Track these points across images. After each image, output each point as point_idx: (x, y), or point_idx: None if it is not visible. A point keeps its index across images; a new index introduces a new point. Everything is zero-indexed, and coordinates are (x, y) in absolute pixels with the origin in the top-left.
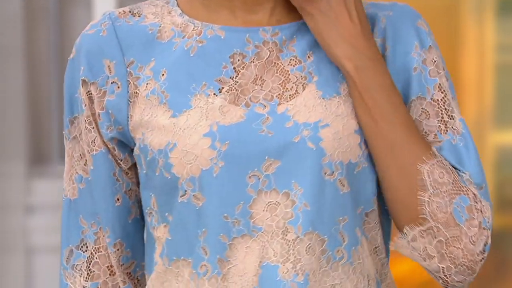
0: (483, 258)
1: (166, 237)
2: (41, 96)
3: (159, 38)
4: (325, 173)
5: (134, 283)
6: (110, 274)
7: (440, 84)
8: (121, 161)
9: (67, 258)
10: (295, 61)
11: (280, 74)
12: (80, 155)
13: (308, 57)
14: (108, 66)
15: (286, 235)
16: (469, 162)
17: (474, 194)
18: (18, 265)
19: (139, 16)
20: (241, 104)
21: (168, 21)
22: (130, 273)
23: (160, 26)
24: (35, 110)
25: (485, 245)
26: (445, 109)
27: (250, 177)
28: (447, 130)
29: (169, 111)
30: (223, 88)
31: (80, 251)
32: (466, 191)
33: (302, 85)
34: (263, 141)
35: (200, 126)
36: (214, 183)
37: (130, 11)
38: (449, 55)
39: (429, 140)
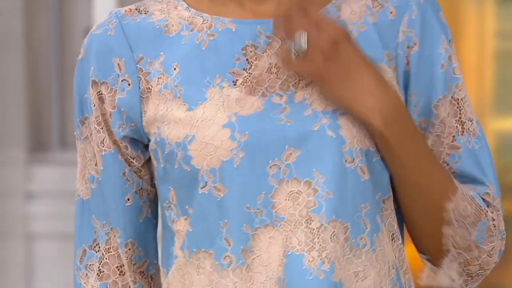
0: (496, 262)
1: (187, 229)
2: (41, 83)
3: (167, 32)
4: (346, 161)
5: (148, 281)
6: (120, 274)
7: (462, 82)
8: (133, 159)
9: (81, 258)
10: None
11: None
12: (92, 155)
13: None
14: (118, 64)
15: (310, 224)
16: (488, 169)
17: (492, 212)
18: (18, 251)
19: (145, 13)
20: (257, 95)
21: (175, 15)
22: (143, 272)
23: (167, 21)
24: (35, 98)
25: (499, 251)
26: (464, 109)
27: (270, 167)
28: (463, 132)
29: (184, 105)
30: (237, 80)
31: (93, 251)
32: (485, 214)
33: None
34: (283, 130)
35: (218, 118)
36: (235, 174)
37: (136, 9)
38: None
39: (447, 144)
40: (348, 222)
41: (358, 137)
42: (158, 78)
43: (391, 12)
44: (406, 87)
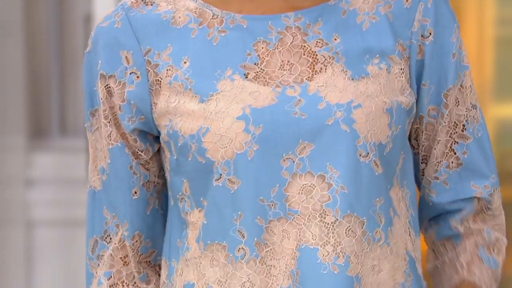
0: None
1: (202, 221)
2: (41, 70)
3: (174, 24)
4: (360, 155)
5: (156, 270)
6: (124, 264)
7: (470, 71)
8: (142, 152)
9: (92, 249)
10: (322, 43)
11: (308, 56)
12: (102, 147)
13: (335, 39)
14: (126, 57)
15: (325, 218)
16: (492, 158)
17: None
18: (18, 238)
19: (152, 5)
20: (271, 87)
21: (181, 6)
22: (149, 262)
23: (174, 13)
24: (35, 84)
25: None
26: (471, 97)
27: (284, 160)
28: (469, 119)
29: (195, 96)
30: (248, 73)
31: (104, 242)
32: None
33: (331, 65)
34: (297, 124)
35: (232, 110)
36: (249, 166)
37: (142, 0)
38: None
39: (457, 133)
40: (364, 216)
41: (372, 131)
42: (167, 70)
43: (407, 1)
44: (419, 76)
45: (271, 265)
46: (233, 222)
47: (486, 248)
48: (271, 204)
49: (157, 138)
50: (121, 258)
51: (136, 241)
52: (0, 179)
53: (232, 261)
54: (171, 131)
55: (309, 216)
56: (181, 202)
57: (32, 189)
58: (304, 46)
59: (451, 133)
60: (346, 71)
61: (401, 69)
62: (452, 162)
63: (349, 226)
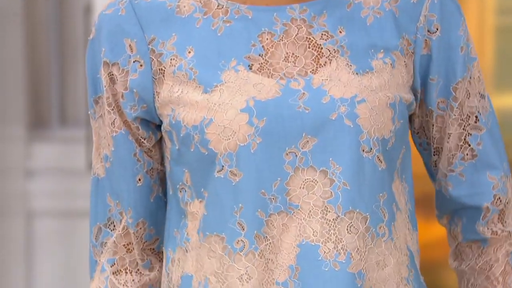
0: None
1: (203, 212)
2: (41, 60)
3: (179, 13)
4: (363, 150)
5: (160, 257)
6: (127, 251)
7: (477, 61)
8: (144, 140)
9: (96, 236)
10: (327, 36)
11: (312, 49)
12: (106, 134)
13: (340, 31)
14: (130, 45)
15: (326, 215)
16: (502, 148)
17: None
18: (18, 229)
19: None
20: (275, 79)
21: None
22: (153, 249)
23: (178, 2)
24: (35, 74)
25: None
26: (479, 86)
27: (287, 154)
28: (480, 109)
29: (199, 87)
30: (253, 65)
31: (107, 229)
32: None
33: (336, 59)
34: (300, 118)
35: (236, 101)
36: (251, 159)
37: None
38: None
39: (470, 124)
40: (367, 212)
41: (376, 126)
42: (171, 59)
43: None
44: (425, 71)
45: (269, 259)
46: (234, 214)
47: None
48: (272, 197)
49: (159, 127)
50: (124, 245)
51: (140, 228)
52: (0, 169)
53: (230, 253)
54: (173, 121)
55: (310, 211)
56: (180, 192)
57: (32, 180)
58: (309, 39)
59: (464, 126)
60: (351, 65)
61: (404, 64)
62: (467, 154)
63: (351, 222)
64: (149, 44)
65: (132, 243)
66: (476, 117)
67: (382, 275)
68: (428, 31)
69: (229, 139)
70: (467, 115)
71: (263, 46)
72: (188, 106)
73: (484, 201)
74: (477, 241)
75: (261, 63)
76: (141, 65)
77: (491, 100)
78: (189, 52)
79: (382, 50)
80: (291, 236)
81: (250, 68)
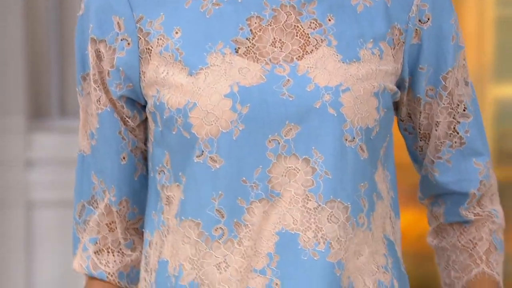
0: None
1: (180, 197)
2: (41, 50)
3: None
4: (346, 140)
5: (142, 237)
6: (109, 231)
7: (464, 49)
8: (129, 118)
9: (80, 213)
10: (315, 24)
11: (299, 37)
12: (92, 111)
13: (329, 19)
14: (118, 22)
15: (307, 203)
16: (485, 134)
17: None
18: (18, 219)
19: None
20: (260, 64)
21: None
22: (137, 229)
23: None
24: (34, 64)
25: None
26: (465, 74)
27: (270, 141)
28: (466, 96)
29: (184, 68)
30: (239, 48)
31: (91, 207)
32: (496, 228)
33: (322, 48)
34: (284, 105)
35: (220, 86)
36: (233, 146)
37: None
38: None
39: (459, 112)
40: (348, 201)
41: (360, 115)
42: (158, 39)
43: None
44: (415, 60)
45: (248, 246)
46: (211, 200)
47: (497, 232)
48: (254, 185)
49: (144, 107)
50: (107, 224)
51: (123, 206)
52: (0, 160)
53: (207, 240)
54: (157, 103)
55: (291, 200)
56: (159, 174)
57: (32, 170)
58: (297, 27)
59: (454, 115)
60: (337, 54)
61: (392, 55)
62: (455, 142)
63: (332, 212)
64: (137, 23)
65: (115, 222)
66: (464, 105)
67: (357, 264)
68: (419, 20)
69: (212, 124)
70: (457, 103)
71: (251, 30)
72: (173, 88)
73: (471, 188)
74: (460, 222)
75: (248, 47)
76: (128, 44)
77: (491, 89)
78: (176, 33)
79: (371, 40)
80: (271, 224)
81: (236, 52)
